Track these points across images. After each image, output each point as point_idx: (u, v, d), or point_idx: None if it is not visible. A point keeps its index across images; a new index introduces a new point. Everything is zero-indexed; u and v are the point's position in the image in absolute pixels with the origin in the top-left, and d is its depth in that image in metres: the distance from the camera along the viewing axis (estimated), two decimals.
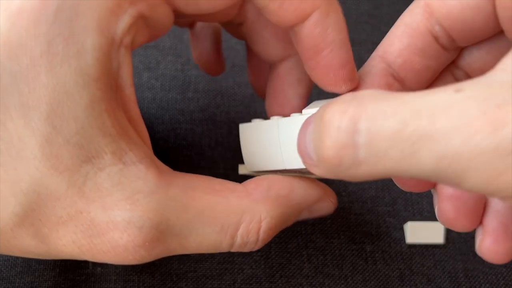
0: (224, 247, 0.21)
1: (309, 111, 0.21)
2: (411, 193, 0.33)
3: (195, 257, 0.29)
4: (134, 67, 0.34)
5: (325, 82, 0.21)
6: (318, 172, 0.18)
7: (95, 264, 0.28)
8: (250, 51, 0.28)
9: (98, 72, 0.18)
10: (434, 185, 0.22)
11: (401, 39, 0.21)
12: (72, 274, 0.28)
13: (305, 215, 0.23)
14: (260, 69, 0.28)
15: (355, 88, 0.21)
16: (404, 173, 0.15)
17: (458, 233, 0.32)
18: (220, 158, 0.32)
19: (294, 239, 0.30)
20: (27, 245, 0.19)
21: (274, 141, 0.22)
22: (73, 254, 0.20)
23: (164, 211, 0.19)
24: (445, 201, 0.21)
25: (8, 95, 0.18)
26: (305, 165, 0.19)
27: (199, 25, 0.28)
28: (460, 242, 0.31)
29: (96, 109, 0.18)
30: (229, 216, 0.20)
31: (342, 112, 0.15)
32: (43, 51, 0.18)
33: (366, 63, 0.22)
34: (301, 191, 0.22)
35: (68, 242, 0.19)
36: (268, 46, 0.25)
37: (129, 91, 0.20)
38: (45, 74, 0.18)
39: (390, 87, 0.21)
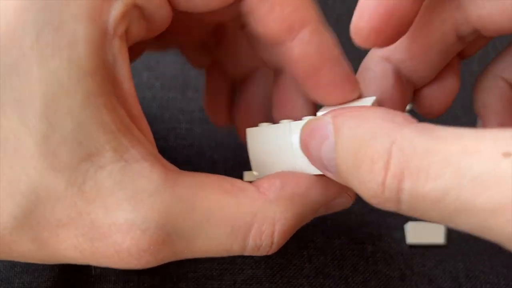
0: (235, 251, 0.20)
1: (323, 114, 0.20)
2: None
3: (195, 257, 0.29)
4: (133, 66, 0.34)
5: (331, 99, 0.21)
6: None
7: None
8: (211, 72, 0.27)
9: (92, 65, 0.17)
10: None
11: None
12: (72, 275, 0.28)
13: (321, 212, 0.22)
14: (219, 92, 0.27)
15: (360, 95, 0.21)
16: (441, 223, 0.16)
17: (459, 234, 0.32)
18: (221, 158, 0.32)
19: (294, 239, 0.30)
20: (27, 250, 0.18)
21: (286, 146, 0.21)
22: (75, 259, 0.19)
23: (170, 211, 0.18)
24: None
25: (0, 89, 0.17)
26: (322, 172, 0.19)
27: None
28: (461, 242, 0.31)
29: (93, 104, 0.17)
30: (240, 218, 0.19)
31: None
32: (33, 42, 0.17)
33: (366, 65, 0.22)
34: (319, 189, 0.21)
35: (69, 247, 0.18)
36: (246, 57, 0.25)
37: (128, 86, 0.19)
38: (36, 67, 0.17)
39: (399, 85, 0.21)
